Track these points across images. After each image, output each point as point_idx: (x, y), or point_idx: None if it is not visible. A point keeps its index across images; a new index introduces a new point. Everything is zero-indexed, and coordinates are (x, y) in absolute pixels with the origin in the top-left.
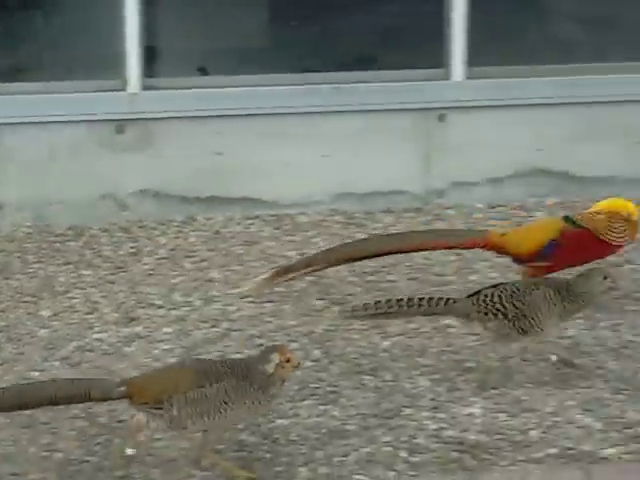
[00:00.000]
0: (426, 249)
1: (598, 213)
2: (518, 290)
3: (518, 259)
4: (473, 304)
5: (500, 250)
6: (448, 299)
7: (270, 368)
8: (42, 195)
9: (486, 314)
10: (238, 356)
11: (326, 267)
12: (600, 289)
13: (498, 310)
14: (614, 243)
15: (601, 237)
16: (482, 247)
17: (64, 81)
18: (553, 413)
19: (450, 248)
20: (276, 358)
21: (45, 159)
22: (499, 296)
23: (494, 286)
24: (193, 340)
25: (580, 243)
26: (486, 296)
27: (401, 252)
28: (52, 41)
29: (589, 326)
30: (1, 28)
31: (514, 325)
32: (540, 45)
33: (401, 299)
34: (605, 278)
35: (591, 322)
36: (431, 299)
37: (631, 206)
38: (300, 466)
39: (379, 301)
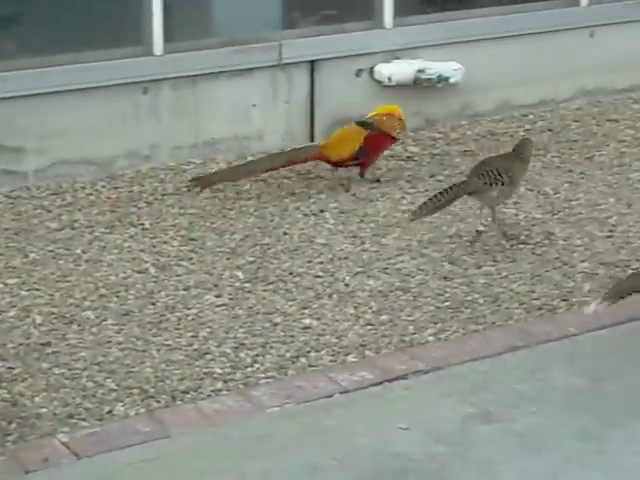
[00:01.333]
0: (280, 167)
1: (383, 115)
2: (509, 165)
3: (337, 164)
4: (482, 182)
5: (325, 160)
6: (461, 182)
7: None
8: None
9: (491, 185)
10: None
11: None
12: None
13: (501, 181)
14: (397, 137)
15: (391, 134)
16: (317, 160)
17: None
18: None
19: (298, 164)
20: None
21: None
22: (498, 171)
23: (483, 164)
24: None
25: (379, 142)
26: (490, 174)
27: (266, 171)
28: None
29: None
30: None
31: (506, 191)
32: None
33: (438, 193)
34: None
35: None
36: (452, 187)
37: (398, 108)
38: None
39: (429, 199)
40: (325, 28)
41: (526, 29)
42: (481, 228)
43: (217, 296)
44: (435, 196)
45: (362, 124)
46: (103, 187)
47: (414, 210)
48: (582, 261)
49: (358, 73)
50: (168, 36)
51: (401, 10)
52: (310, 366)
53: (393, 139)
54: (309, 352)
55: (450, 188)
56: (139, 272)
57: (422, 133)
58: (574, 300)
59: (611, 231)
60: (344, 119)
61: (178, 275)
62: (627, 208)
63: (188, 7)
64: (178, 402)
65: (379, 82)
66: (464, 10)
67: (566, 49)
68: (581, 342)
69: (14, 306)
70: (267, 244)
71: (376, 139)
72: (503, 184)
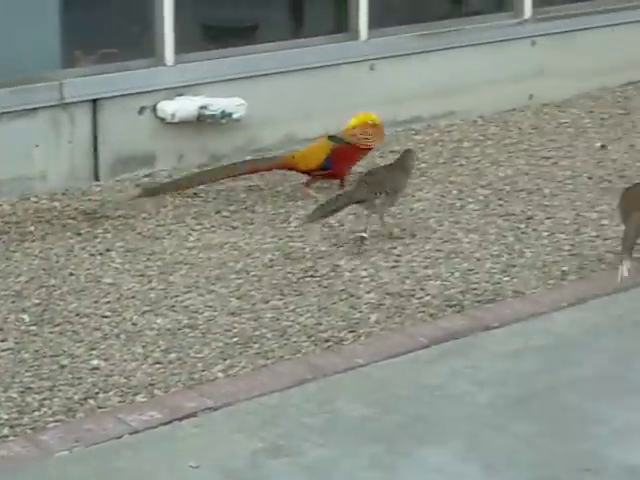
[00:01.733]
0: (248, 173)
1: (353, 128)
2: (393, 175)
3: (307, 173)
4: (368, 190)
5: (293, 169)
6: (350, 191)
7: None
8: None
9: (376, 194)
10: None
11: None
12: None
13: (385, 191)
14: (369, 146)
15: (360, 145)
16: (284, 168)
17: None
18: None
19: (265, 171)
20: None
21: None
22: (384, 181)
23: (369, 175)
24: None
25: (346, 153)
26: (377, 183)
27: (238, 175)
28: None
29: None
30: None
31: (391, 199)
32: None
33: (329, 200)
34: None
35: None
36: (342, 194)
37: (374, 116)
38: None
39: (322, 205)
40: (107, 66)
41: (308, 63)
42: (364, 234)
43: (2, 340)
44: (327, 202)
45: (331, 137)
46: None
47: (308, 214)
48: (368, 292)
49: (141, 111)
50: None
51: (182, 47)
52: (99, 407)
53: (364, 149)
54: (97, 393)
55: (340, 195)
56: None
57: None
58: (361, 331)
59: (396, 261)
60: (129, 158)
61: None
62: (411, 238)
63: None
64: None
65: (162, 119)
66: (246, 46)
67: (347, 82)
68: (368, 372)
69: None
70: (53, 285)
71: (343, 151)
72: (387, 193)
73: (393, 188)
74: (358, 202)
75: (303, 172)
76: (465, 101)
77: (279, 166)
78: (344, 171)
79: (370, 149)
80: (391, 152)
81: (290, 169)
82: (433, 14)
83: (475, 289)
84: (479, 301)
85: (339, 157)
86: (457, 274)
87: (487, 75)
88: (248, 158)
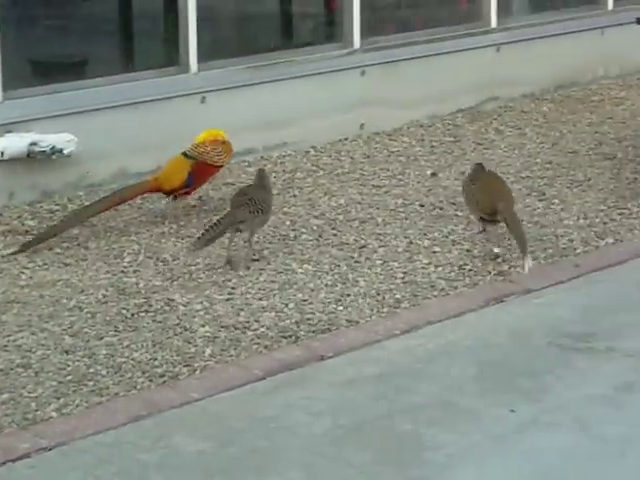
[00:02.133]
0: (119, 204)
1: (203, 145)
2: (262, 194)
3: (170, 193)
4: (248, 210)
5: (159, 190)
6: (229, 213)
7: None
8: None
9: (254, 213)
10: None
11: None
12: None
13: (261, 209)
14: (220, 164)
15: (213, 163)
16: (150, 192)
17: None
18: None
19: (132, 199)
20: None
21: None
22: (258, 200)
23: (242, 195)
24: None
25: (205, 170)
26: (252, 203)
27: (107, 210)
28: None
29: None
30: None
31: (265, 217)
32: None
33: (212, 225)
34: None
35: None
36: (223, 218)
37: (222, 133)
38: None
39: (206, 230)
40: None
41: (138, 97)
42: (232, 253)
43: None
44: (211, 227)
45: (186, 155)
46: None
47: (194, 242)
48: (203, 325)
49: None
50: None
51: (10, 84)
52: None
53: (217, 167)
54: None
55: (222, 219)
56: None
57: (39, 206)
58: (196, 365)
59: (230, 294)
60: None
61: None
62: (245, 270)
63: None
64: None
65: None
66: (75, 81)
67: (179, 115)
68: (204, 407)
69: None
70: None
71: (202, 168)
72: (263, 212)
73: (267, 206)
74: (240, 222)
75: (168, 193)
76: (297, 132)
77: (145, 191)
78: (197, 188)
79: (222, 166)
80: (224, 184)
81: (156, 191)
82: (262, 46)
83: (310, 319)
84: (314, 331)
85: (199, 174)
86: (292, 305)
87: (318, 105)
88: (112, 191)
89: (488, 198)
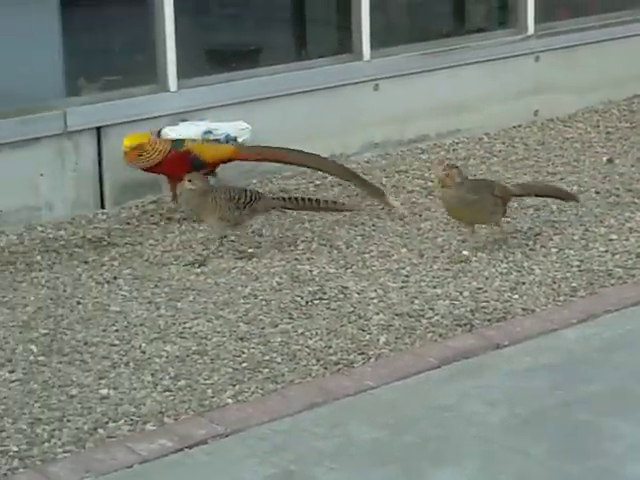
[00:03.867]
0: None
1: (132, 149)
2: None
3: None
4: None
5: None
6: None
7: None
8: None
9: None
10: None
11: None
12: None
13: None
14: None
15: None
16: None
17: None
18: None
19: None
20: None
21: None
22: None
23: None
24: None
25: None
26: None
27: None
28: None
29: None
30: None
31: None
32: None
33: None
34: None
35: None
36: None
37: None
38: None
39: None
40: (110, 94)
41: (311, 85)
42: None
43: (10, 371)
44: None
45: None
46: None
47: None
48: (377, 313)
49: None
50: None
51: (185, 72)
52: (109, 437)
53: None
54: (107, 423)
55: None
56: None
57: None
58: (370, 353)
59: (404, 282)
60: (134, 184)
61: None
62: (419, 258)
63: None
64: None
65: None
66: (249, 70)
67: (352, 103)
68: (378, 395)
69: None
70: (60, 315)
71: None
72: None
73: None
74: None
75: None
76: (470, 119)
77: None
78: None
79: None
80: (397, 172)
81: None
82: (436, 32)
83: (485, 307)
84: (489, 320)
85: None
86: (466, 293)
87: (492, 92)
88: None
89: None
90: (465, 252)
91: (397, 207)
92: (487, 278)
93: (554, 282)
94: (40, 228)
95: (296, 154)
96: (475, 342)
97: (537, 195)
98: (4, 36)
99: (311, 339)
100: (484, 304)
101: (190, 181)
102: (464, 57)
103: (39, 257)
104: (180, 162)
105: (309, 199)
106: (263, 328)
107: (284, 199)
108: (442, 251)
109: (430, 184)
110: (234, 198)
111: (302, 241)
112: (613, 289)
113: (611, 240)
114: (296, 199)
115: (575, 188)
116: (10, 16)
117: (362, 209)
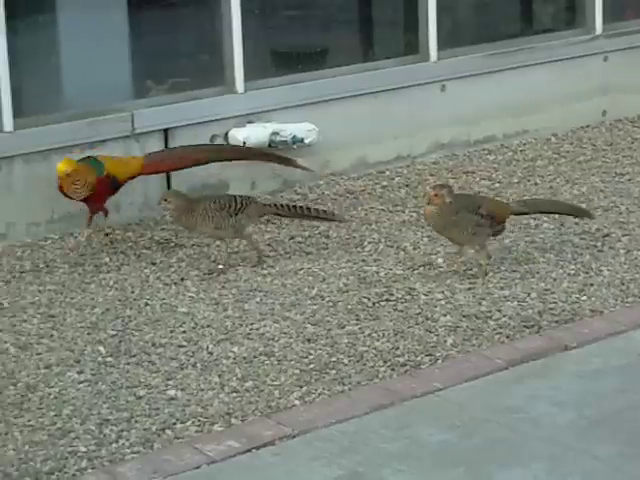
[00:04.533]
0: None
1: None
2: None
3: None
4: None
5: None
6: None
7: None
8: None
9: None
10: None
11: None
12: None
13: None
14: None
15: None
16: None
17: None
18: None
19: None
20: None
21: None
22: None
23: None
24: None
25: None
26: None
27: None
28: None
29: None
30: None
31: None
32: None
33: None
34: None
35: None
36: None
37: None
38: None
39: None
40: (177, 96)
41: (377, 86)
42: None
43: (79, 372)
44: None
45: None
46: None
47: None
48: (444, 315)
49: (212, 139)
50: (17, 112)
51: (252, 74)
52: (176, 438)
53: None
54: (175, 424)
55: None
56: None
57: (280, 195)
58: (437, 354)
59: (471, 283)
60: (201, 186)
61: (39, 353)
62: (486, 259)
63: (37, 82)
64: None
65: None
66: (315, 71)
67: (418, 104)
68: (445, 396)
69: None
70: (128, 316)
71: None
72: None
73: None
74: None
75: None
76: (538, 119)
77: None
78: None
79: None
80: (464, 173)
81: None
82: (503, 33)
83: (552, 309)
84: (557, 321)
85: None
86: (534, 294)
87: (559, 92)
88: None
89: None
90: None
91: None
92: (555, 279)
93: (622, 283)
94: (108, 230)
95: (200, 150)
96: (543, 343)
97: (544, 212)
98: (72, 39)
99: (378, 340)
100: (552, 305)
101: (167, 200)
102: (531, 57)
103: (107, 259)
104: (104, 187)
105: (300, 207)
106: (330, 329)
107: (276, 206)
108: (509, 252)
109: (498, 185)
110: (225, 206)
111: (369, 242)
112: None
113: None
114: (287, 206)
115: None
116: (78, 19)
117: (352, 221)
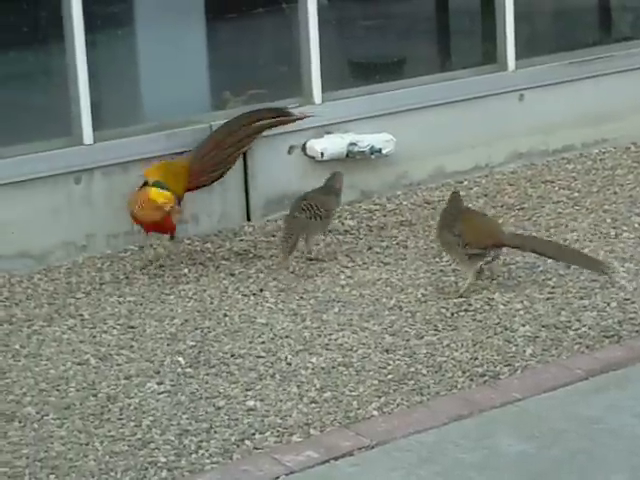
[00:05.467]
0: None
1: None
2: (322, 199)
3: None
4: (306, 217)
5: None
6: (289, 220)
7: None
8: None
9: (311, 218)
10: None
11: None
12: None
13: (319, 214)
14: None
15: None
16: None
17: None
18: None
19: None
20: None
21: None
22: (316, 205)
23: (302, 199)
24: None
25: None
26: (309, 208)
27: None
28: None
29: None
30: None
31: (324, 223)
32: None
33: (285, 237)
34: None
35: None
36: (287, 228)
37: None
38: None
39: (284, 242)
40: (256, 107)
41: (455, 96)
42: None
43: (159, 383)
44: (285, 239)
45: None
46: (40, 280)
47: (281, 260)
48: (523, 325)
49: (290, 150)
50: (97, 125)
51: (329, 85)
52: (255, 448)
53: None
54: (254, 434)
55: (287, 230)
56: (79, 364)
57: (358, 206)
58: (517, 364)
59: (551, 293)
60: (279, 197)
61: (119, 364)
62: (565, 269)
63: (115, 95)
64: None
65: (312, 158)
66: (392, 82)
67: (496, 114)
68: (525, 407)
69: None
70: (207, 327)
71: None
72: (321, 218)
73: (326, 213)
74: (301, 229)
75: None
76: (617, 128)
77: None
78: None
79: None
80: (543, 182)
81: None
82: (581, 41)
83: (633, 319)
84: (637, 331)
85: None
86: (614, 304)
87: (638, 101)
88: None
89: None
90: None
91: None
92: (635, 289)
93: None
94: (187, 241)
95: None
96: (623, 354)
97: (545, 256)
98: (149, 51)
99: (457, 351)
100: (632, 315)
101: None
102: (610, 66)
103: (186, 270)
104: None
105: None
106: (408, 340)
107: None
108: None
109: (577, 194)
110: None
111: None
112: None
113: None
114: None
115: None
116: (155, 31)
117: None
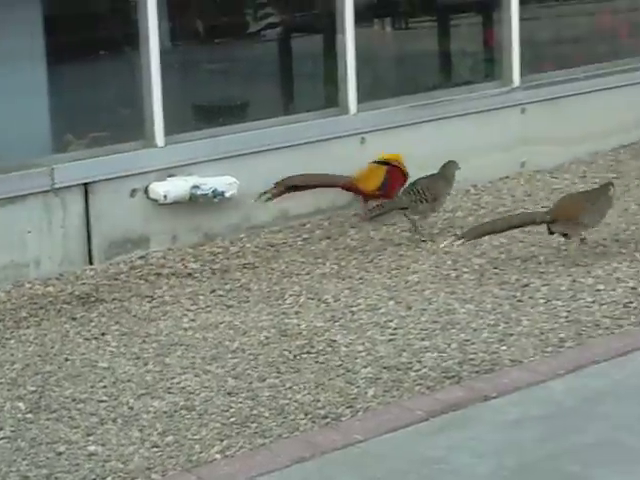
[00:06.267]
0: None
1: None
2: (428, 183)
3: (366, 195)
4: (408, 197)
5: (355, 191)
6: (395, 199)
7: None
8: None
9: (415, 202)
10: None
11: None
12: None
13: (424, 198)
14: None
15: (404, 169)
16: (345, 189)
17: None
18: None
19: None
20: None
21: None
22: (421, 190)
23: (412, 184)
24: None
25: (396, 178)
26: (415, 192)
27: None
28: None
29: None
30: None
31: (432, 206)
32: None
33: (378, 206)
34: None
35: None
36: (386, 203)
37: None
38: None
39: (376, 210)
40: (97, 150)
41: (297, 139)
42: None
43: None
44: (376, 207)
45: (379, 162)
46: None
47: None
48: (365, 366)
49: (133, 193)
50: None
51: (172, 128)
52: None
53: (405, 177)
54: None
55: (386, 203)
56: None
57: (202, 249)
58: (358, 406)
59: (392, 334)
60: (122, 240)
61: None
62: (406, 310)
63: None
64: None
65: (155, 200)
66: (235, 124)
67: (338, 157)
68: (366, 448)
69: None
70: (48, 372)
71: (396, 175)
72: (427, 201)
73: (433, 197)
74: (402, 209)
75: (363, 194)
76: (457, 172)
77: (340, 185)
78: (393, 192)
79: (407, 178)
80: (385, 225)
81: (349, 190)
82: (421, 85)
83: (472, 359)
84: (477, 371)
85: (393, 180)
86: (454, 345)
87: (478, 144)
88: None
89: None
90: None
91: None
92: (475, 330)
93: (542, 333)
94: (28, 285)
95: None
96: (463, 394)
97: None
98: None
99: (299, 393)
100: (472, 356)
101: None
102: (450, 110)
103: (26, 314)
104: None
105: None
106: (251, 383)
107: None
108: (429, 303)
109: (418, 236)
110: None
111: (290, 295)
112: (601, 339)
113: (598, 291)
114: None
115: (562, 239)
116: None
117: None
